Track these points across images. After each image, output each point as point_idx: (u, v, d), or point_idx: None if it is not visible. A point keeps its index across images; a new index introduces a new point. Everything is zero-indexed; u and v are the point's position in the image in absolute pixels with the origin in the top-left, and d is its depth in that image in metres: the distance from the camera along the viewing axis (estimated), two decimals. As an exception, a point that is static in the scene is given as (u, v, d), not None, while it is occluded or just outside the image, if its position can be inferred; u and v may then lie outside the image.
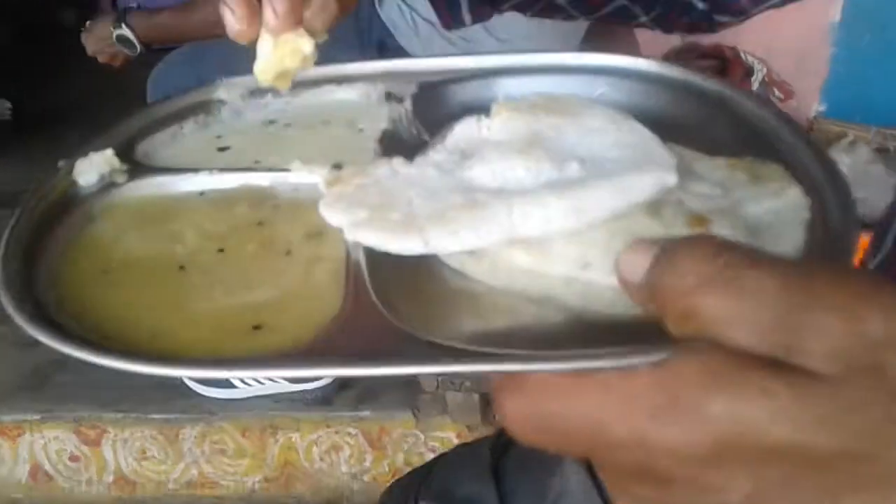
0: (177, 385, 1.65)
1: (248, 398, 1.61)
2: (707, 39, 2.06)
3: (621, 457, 0.24)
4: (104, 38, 1.50)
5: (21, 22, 3.60)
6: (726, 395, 0.22)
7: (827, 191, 0.33)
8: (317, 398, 1.59)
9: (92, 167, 0.37)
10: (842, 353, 0.21)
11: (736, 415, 0.22)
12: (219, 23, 1.34)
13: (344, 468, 1.62)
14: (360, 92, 0.45)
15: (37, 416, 1.65)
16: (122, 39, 1.47)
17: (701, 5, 0.62)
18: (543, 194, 0.32)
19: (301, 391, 1.59)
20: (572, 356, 0.26)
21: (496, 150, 0.36)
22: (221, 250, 0.33)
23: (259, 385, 1.60)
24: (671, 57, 1.98)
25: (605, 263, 0.30)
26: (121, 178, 0.38)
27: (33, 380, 1.74)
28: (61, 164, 0.37)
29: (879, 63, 2.02)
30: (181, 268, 0.32)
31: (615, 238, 0.31)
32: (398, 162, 0.36)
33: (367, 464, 1.61)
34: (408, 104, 0.43)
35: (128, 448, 1.66)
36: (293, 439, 1.61)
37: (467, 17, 0.56)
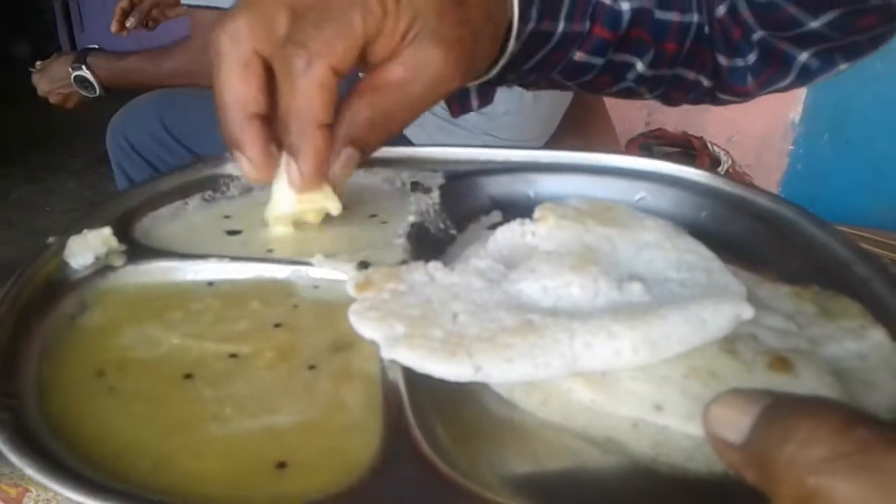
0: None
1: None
2: (672, 126, 2.11)
3: None
4: (60, 79, 1.43)
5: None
6: None
7: None
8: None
9: (86, 247, 0.32)
10: None
11: None
12: (191, 73, 1.30)
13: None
14: (382, 178, 0.41)
15: (-49, 471, 1.53)
16: (81, 80, 1.40)
17: (707, 83, 0.61)
18: (608, 322, 0.28)
19: None
20: None
21: (546, 263, 0.32)
22: (234, 356, 0.28)
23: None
24: (639, 142, 2.01)
25: (681, 407, 0.27)
26: (118, 261, 0.33)
27: (-49, 429, 1.62)
28: (51, 240, 0.32)
29: (837, 162, 2.08)
30: (187, 376, 0.27)
31: (691, 378, 0.28)
32: (434, 266, 0.33)
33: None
34: (435, 195, 0.40)
35: (49, 510, 1.54)
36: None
37: (474, 103, 0.53)
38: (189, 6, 1.27)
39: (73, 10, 3.35)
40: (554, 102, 1.34)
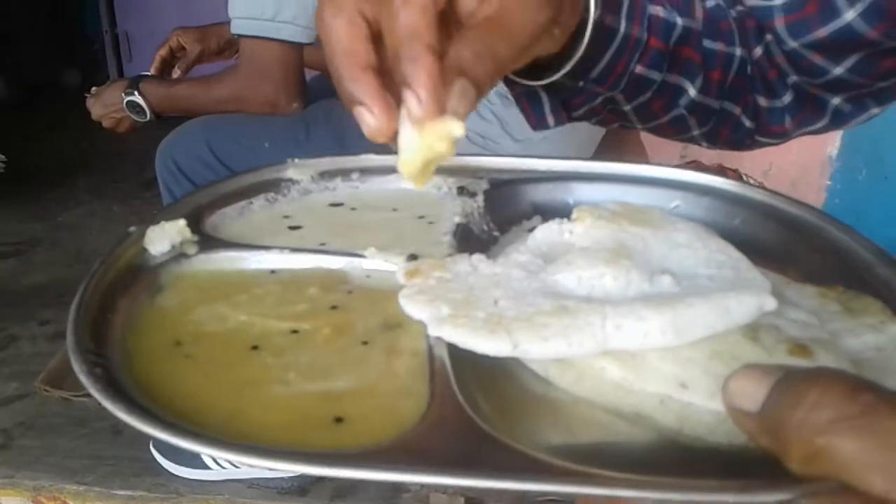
0: (145, 460, 1.58)
1: (220, 481, 1.55)
2: (708, 159, 2.12)
3: None
4: (113, 104, 1.49)
5: (25, 81, 3.65)
6: None
7: None
8: (292, 487, 1.53)
9: (163, 236, 0.35)
10: None
11: None
12: (239, 99, 1.36)
13: (313, 564, 1.54)
14: (430, 184, 0.44)
15: (-5, 480, 1.57)
16: (133, 106, 1.46)
17: (748, 123, 0.63)
18: (638, 307, 0.31)
19: (277, 478, 1.53)
20: (689, 485, 0.24)
21: (581, 257, 0.35)
22: (295, 332, 0.32)
23: (234, 468, 1.54)
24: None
25: (705, 385, 0.29)
26: (191, 250, 0.36)
27: (-4, 441, 1.67)
28: (132, 229, 0.36)
29: (874, 198, 2.07)
30: (254, 347, 0.30)
31: (715, 360, 0.30)
32: (478, 258, 0.35)
33: (339, 562, 1.53)
34: (480, 199, 0.43)
35: (87, 523, 1.57)
36: (263, 529, 1.54)
37: (550, 119, 0.56)
38: (238, 36, 1.32)
39: (122, 40, 3.47)
40: (589, 130, 1.37)
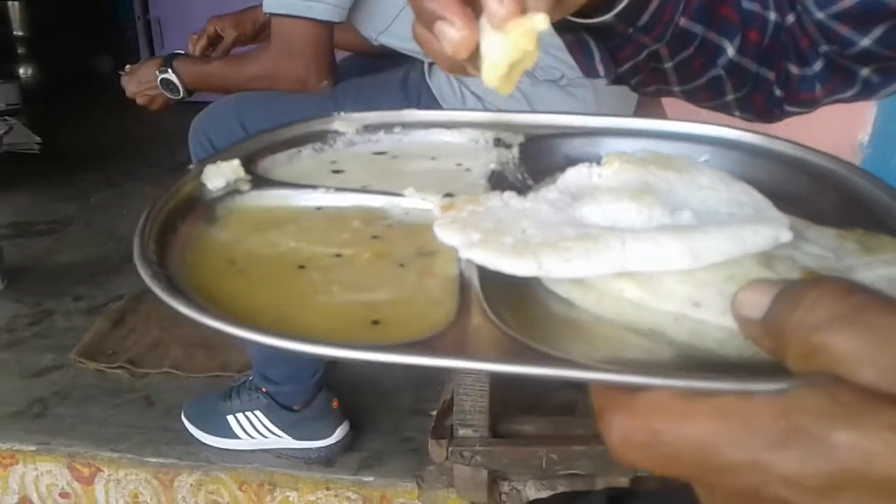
0: (176, 430, 1.63)
1: (250, 451, 1.59)
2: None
3: (731, 481, 0.24)
4: (146, 81, 1.52)
5: (59, 67, 3.72)
6: (851, 427, 0.23)
7: None
8: (319, 457, 1.57)
9: (219, 173, 0.39)
10: None
11: (860, 447, 0.22)
12: (270, 77, 1.39)
13: (340, 534, 1.58)
14: (468, 137, 0.47)
15: (32, 447, 1.63)
16: (167, 83, 1.49)
17: (778, 92, 0.64)
18: (657, 233, 0.33)
19: (304, 449, 1.56)
20: (691, 376, 0.26)
21: (607, 193, 0.37)
22: (339, 255, 0.35)
23: (263, 439, 1.58)
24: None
25: (718, 304, 0.31)
26: (244, 187, 0.40)
27: (33, 410, 1.72)
28: (191, 167, 0.39)
29: (905, 185, 2.06)
30: (301, 267, 0.34)
31: (729, 282, 0.32)
32: (509, 195, 0.38)
33: (364, 532, 1.57)
34: (515, 151, 0.45)
35: (120, 490, 1.62)
36: (291, 498, 1.58)
37: (600, 68, 0.58)
38: (270, 14, 1.35)
39: (153, 26, 3.52)
40: (618, 103, 1.39)
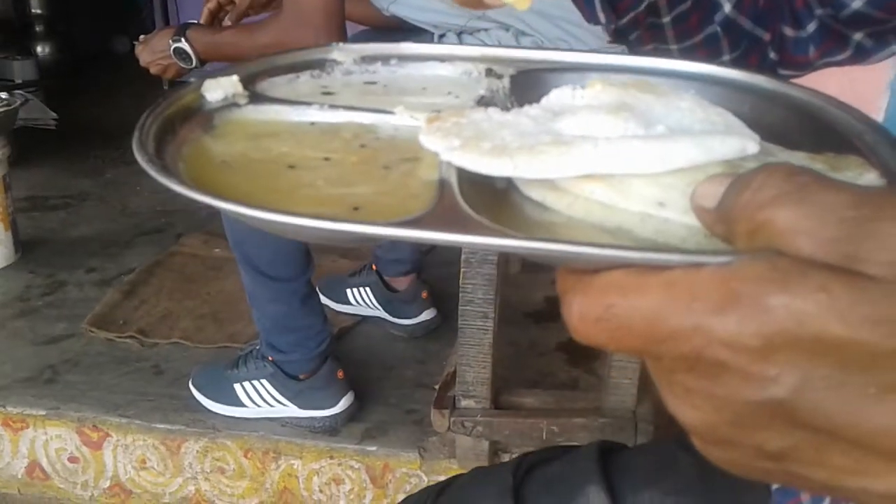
0: (184, 398, 1.66)
1: (255, 419, 1.61)
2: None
3: (676, 347, 0.25)
4: (160, 50, 1.53)
5: (76, 45, 3.76)
6: (786, 290, 0.24)
7: None
8: (324, 426, 1.59)
9: (218, 87, 0.40)
10: None
11: (793, 309, 0.23)
12: (283, 45, 1.40)
13: (342, 502, 1.60)
14: (461, 70, 0.48)
15: (42, 412, 1.66)
16: (179, 52, 1.50)
17: (773, 55, 0.65)
18: (629, 139, 0.34)
19: (309, 418, 1.59)
20: (642, 248, 0.28)
21: (586, 109, 0.38)
22: (327, 159, 0.36)
23: (269, 407, 1.60)
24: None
25: (681, 204, 0.32)
26: (242, 101, 0.41)
27: (43, 376, 1.75)
28: (193, 80, 0.40)
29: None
30: (290, 167, 0.35)
31: (692, 186, 0.33)
32: (493, 110, 0.39)
33: (367, 501, 1.59)
34: (506, 81, 0.46)
35: (128, 455, 1.65)
36: (295, 466, 1.60)
37: (601, 16, 0.60)
38: (283, -17, 1.36)
39: (170, 7, 3.54)
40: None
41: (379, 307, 1.89)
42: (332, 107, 0.41)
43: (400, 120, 0.40)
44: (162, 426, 1.63)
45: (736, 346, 0.24)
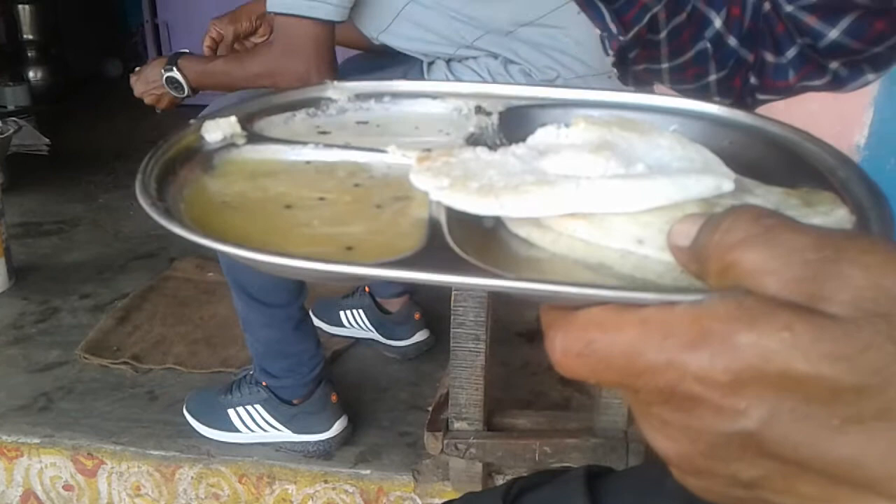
0: (178, 424, 1.66)
1: (249, 444, 1.62)
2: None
3: (652, 381, 0.27)
4: (153, 81, 1.55)
5: (68, 70, 3.78)
6: (753, 328, 0.25)
7: (871, 210, 0.36)
8: (318, 451, 1.59)
9: (217, 128, 0.42)
10: (861, 301, 0.25)
11: (760, 346, 0.25)
12: (273, 74, 1.42)
13: (337, 526, 1.60)
14: (451, 106, 0.50)
15: (36, 440, 1.65)
16: (172, 82, 1.52)
17: (753, 80, 0.67)
18: (609, 178, 0.36)
19: (303, 442, 1.59)
20: (619, 287, 0.30)
21: (569, 148, 0.40)
22: (322, 198, 0.38)
23: (262, 432, 1.60)
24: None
25: (659, 242, 0.34)
26: (240, 141, 0.43)
27: (38, 404, 1.75)
28: (192, 121, 0.42)
29: (901, 188, 2.07)
30: (287, 206, 0.37)
31: (669, 224, 0.35)
32: (482, 150, 0.41)
33: (361, 524, 1.59)
34: (495, 118, 0.48)
35: (122, 482, 1.65)
36: (289, 491, 1.60)
37: (614, 27, 0.62)
38: (272, 13, 1.39)
39: (161, 30, 3.57)
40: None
41: (372, 329, 1.90)
42: (328, 146, 0.42)
43: (392, 158, 0.42)
44: (156, 453, 1.63)
45: (707, 380, 0.26)
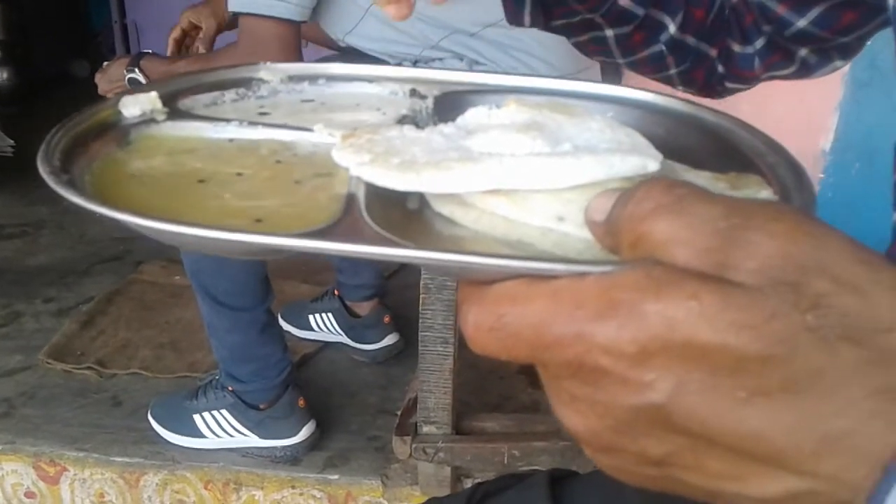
0: (142, 429, 1.63)
1: (215, 450, 1.59)
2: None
3: (560, 353, 0.26)
4: (117, 80, 1.53)
5: (35, 71, 3.72)
6: (659, 298, 0.24)
7: (794, 191, 0.36)
8: (285, 456, 1.57)
9: (136, 103, 0.40)
10: (768, 269, 0.24)
11: (666, 316, 0.24)
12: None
13: (304, 532, 1.58)
14: (389, 89, 0.49)
15: (-3, 446, 1.62)
16: (134, 83, 1.49)
17: (720, 68, 0.67)
18: (533, 156, 0.35)
19: (270, 447, 1.57)
20: (530, 258, 0.29)
21: (496, 128, 0.39)
22: (240, 174, 0.36)
23: (229, 437, 1.58)
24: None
25: (580, 219, 0.33)
26: (160, 117, 0.41)
27: (-1, 410, 1.71)
28: (110, 97, 0.40)
29: (866, 193, 2.09)
30: (201, 181, 0.35)
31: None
32: (408, 128, 0.40)
33: (329, 530, 1.57)
34: (430, 101, 0.47)
35: (86, 489, 1.62)
36: (256, 497, 1.58)
37: (527, 19, 0.60)
38: (236, 13, 1.37)
39: (130, 30, 3.53)
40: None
41: (341, 333, 1.88)
42: (252, 124, 0.41)
43: (319, 137, 0.40)
44: (120, 459, 1.60)
45: (614, 352, 0.25)
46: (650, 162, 0.36)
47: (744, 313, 0.23)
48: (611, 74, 1.52)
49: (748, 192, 0.37)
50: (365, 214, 0.32)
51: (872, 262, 0.25)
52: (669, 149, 0.41)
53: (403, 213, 0.35)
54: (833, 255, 0.24)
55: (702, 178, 0.40)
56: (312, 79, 0.49)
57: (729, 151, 0.43)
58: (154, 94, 0.41)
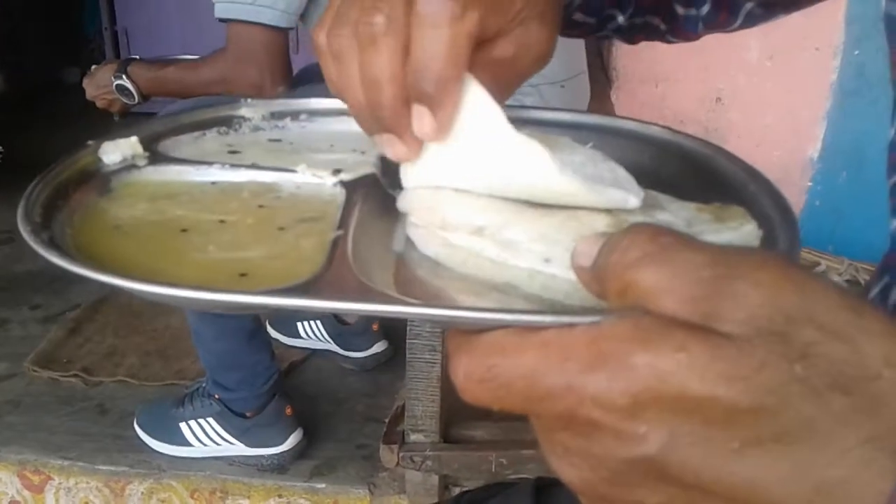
0: (128, 438, 1.62)
1: (202, 458, 1.59)
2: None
3: (552, 405, 0.26)
4: (104, 85, 1.52)
5: (25, 77, 3.70)
6: (648, 350, 0.24)
7: (778, 225, 0.36)
8: (272, 465, 1.57)
9: (116, 149, 0.40)
10: (755, 320, 0.24)
11: (656, 368, 0.24)
12: (226, 81, 1.39)
13: (291, 541, 1.58)
14: None
15: (-19, 456, 1.61)
16: (121, 89, 1.49)
17: (663, 27, 0.67)
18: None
19: (257, 456, 1.56)
20: (518, 311, 0.29)
21: None
22: (222, 221, 0.36)
23: (216, 446, 1.57)
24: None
25: (566, 260, 0.33)
26: (141, 162, 0.41)
27: (-17, 418, 1.70)
28: (90, 143, 0.40)
29: (854, 200, 2.10)
30: (183, 230, 0.35)
31: (576, 242, 0.34)
32: None
33: (316, 539, 1.57)
34: None
35: (71, 498, 1.61)
36: (242, 506, 1.57)
37: None
38: (223, 20, 1.37)
39: (121, 37, 3.51)
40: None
41: (330, 340, 1.88)
42: (235, 166, 0.41)
43: (302, 178, 0.40)
44: (105, 468, 1.59)
45: (606, 404, 0.25)
46: (631, 198, 0.36)
47: (733, 365, 0.24)
48: (600, 83, 1.52)
49: (732, 225, 0.38)
50: (351, 262, 0.32)
51: (857, 308, 0.25)
52: (653, 178, 0.41)
53: (389, 256, 0.35)
54: (819, 303, 0.24)
55: (686, 209, 0.40)
56: (294, 115, 0.48)
57: (710, 180, 0.43)
58: (134, 139, 0.41)
